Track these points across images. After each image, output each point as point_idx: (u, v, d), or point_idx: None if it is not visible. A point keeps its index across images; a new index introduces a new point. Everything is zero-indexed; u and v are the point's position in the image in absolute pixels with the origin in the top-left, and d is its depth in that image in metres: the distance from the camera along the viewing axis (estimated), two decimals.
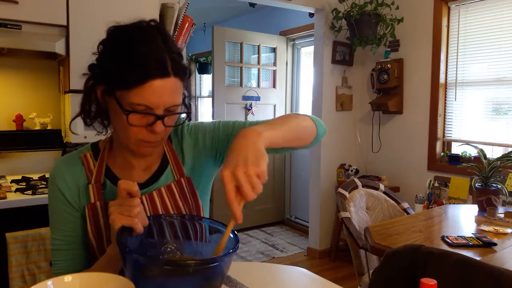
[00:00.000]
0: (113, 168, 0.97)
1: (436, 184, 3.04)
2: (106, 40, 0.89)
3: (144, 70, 0.82)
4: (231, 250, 0.72)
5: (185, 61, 0.93)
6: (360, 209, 2.22)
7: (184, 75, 0.89)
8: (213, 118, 4.18)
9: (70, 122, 1.02)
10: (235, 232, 0.80)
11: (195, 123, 1.07)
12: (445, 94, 3.16)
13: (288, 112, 4.69)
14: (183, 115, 1.01)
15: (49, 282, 0.68)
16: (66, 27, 2.08)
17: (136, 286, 0.66)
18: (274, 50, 4.53)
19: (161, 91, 0.84)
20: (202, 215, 0.99)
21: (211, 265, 0.69)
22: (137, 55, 0.83)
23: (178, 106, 0.89)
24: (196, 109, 6.34)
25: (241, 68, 4.35)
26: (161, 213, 0.94)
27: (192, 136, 1.04)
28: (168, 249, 0.86)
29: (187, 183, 0.99)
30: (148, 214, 0.93)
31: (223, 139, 1.03)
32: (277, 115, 4.58)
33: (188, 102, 0.99)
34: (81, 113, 0.93)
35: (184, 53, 2.61)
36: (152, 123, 0.85)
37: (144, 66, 0.83)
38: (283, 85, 4.62)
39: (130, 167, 0.98)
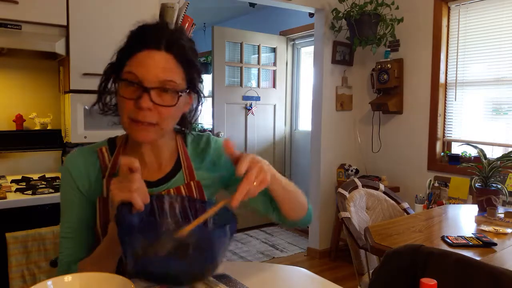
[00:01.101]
0: None
1: (436, 184, 3.04)
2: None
3: (138, 41, 0.88)
4: (227, 226, 0.73)
5: (192, 50, 0.94)
6: (360, 209, 2.22)
7: (182, 56, 0.90)
8: (213, 118, 4.18)
9: (91, 107, 1.07)
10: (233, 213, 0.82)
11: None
12: (445, 94, 3.16)
13: (288, 112, 4.70)
14: (199, 115, 1.03)
15: (49, 282, 0.68)
16: (66, 27, 2.08)
17: (130, 265, 0.67)
18: (274, 50, 4.54)
19: (150, 62, 0.86)
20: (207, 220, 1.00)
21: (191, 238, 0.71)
22: (140, 32, 0.90)
23: (172, 85, 0.88)
24: None
25: (241, 68, 4.35)
26: (167, 212, 0.94)
27: (217, 154, 1.05)
28: (167, 228, 0.86)
29: (196, 187, 1.00)
30: (156, 215, 0.93)
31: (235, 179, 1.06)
32: (277, 115, 4.58)
33: (199, 91, 0.98)
34: (98, 101, 0.96)
35: None
36: (139, 97, 0.85)
37: (139, 39, 0.88)
38: (283, 85, 4.62)
39: (143, 164, 0.97)
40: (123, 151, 0.99)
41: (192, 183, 0.99)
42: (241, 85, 4.35)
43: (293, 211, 1.02)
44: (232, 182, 1.06)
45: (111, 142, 1.01)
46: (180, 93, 0.89)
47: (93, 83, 1.07)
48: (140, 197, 0.78)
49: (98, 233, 0.93)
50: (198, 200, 0.95)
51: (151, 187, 0.96)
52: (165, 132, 0.93)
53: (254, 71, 4.50)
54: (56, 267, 1.00)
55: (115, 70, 0.92)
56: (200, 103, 1.01)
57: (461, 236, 1.67)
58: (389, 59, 3.34)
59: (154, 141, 0.94)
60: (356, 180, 2.33)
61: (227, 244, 0.76)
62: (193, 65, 0.93)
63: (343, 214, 2.09)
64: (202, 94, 1.00)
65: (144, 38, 0.88)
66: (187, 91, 0.93)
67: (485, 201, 2.04)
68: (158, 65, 0.86)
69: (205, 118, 6.23)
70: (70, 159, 0.98)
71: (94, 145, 1.01)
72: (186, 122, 1.03)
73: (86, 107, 2.13)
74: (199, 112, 1.03)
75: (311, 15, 3.91)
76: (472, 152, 2.94)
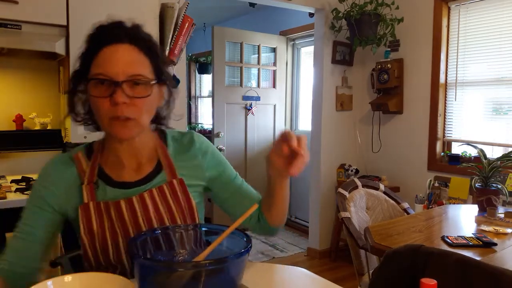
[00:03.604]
0: (105, 168, 0.97)
1: (436, 184, 3.04)
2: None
3: (99, 40, 0.88)
4: (243, 250, 0.70)
5: (154, 42, 0.94)
6: (360, 209, 2.22)
7: (146, 47, 0.90)
8: (213, 118, 4.18)
9: (64, 118, 1.08)
10: (245, 233, 0.79)
11: (210, 143, 1.08)
12: (445, 94, 3.16)
13: (288, 111, 4.70)
14: (179, 113, 1.02)
15: (49, 282, 0.68)
16: (66, 27, 2.08)
17: None
18: (274, 50, 4.53)
19: (115, 56, 0.86)
20: (195, 215, 0.98)
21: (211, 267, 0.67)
22: (99, 31, 0.90)
23: (142, 76, 0.88)
24: (196, 109, 6.33)
25: (241, 68, 4.35)
26: (151, 214, 0.94)
27: (202, 152, 1.04)
28: (180, 257, 0.84)
29: (179, 184, 0.98)
30: (139, 215, 0.93)
31: (221, 182, 1.06)
32: (277, 115, 4.58)
33: (168, 83, 0.98)
34: (71, 111, 0.95)
35: (184, 53, 2.61)
36: (113, 93, 0.84)
37: (100, 37, 0.89)
38: (283, 85, 4.61)
39: (121, 166, 0.97)
40: (101, 156, 0.98)
41: (174, 181, 0.98)
42: (241, 85, 4.35)
43: (282, 215, 1.04)
44: (218, 183, 1.06)
45: (88, 148, 1.00)
46: (151, 82, 0.89)
47: None
48: None
49: (84, 240, 0.92)
50: (196, 225, 0.92)
51: (131, 187, 0.96)
52: (142, 127, 0.92)
53: (254, 71, 4.50)
54: (56, 268, 1.00)
55: (81, 76, 0.90)
56: (172, 96, 1.00)
57: (461, 236, 1.67)
58: (389, 59, 3.34)
59: (133, 138, 0.93)
60: (356, 180, 2.33)
61: (244, 267, 0.74)
62: (158, 56, 0.93)
63: (343, 214, 2.09)
64: (171, 86, 0.99)
65: (104, 35, 0.89)
66: (157, 82, 0.93)
67: (485, 201, 2.04)
68: (124, 58, 0.86)
69: (205, 118, 6.24)
70: (44, 169, 0.99)
71: (71, 152, 1.00)
72: (161, 118, 1.02)
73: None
74: (172, 105, 1.01)
75: (311, 15, 3.91)
76: (472, 152, 2.94)
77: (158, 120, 1.02)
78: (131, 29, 0.91)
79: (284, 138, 0.82)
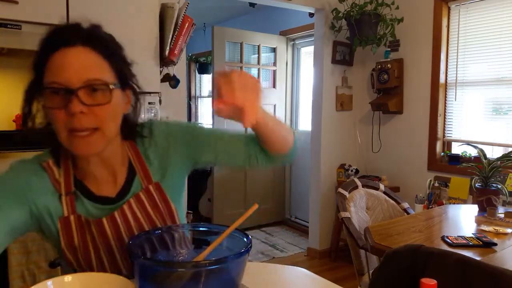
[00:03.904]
0: (83, 181, 0.90)
1: (436, 184, 3.04)
2: None
3: (50, 45, 0.80)
4: (243, 250, 0.70)
5: (114, 42, 0.86)
6: (360, 209, 2.22)
7: (103, 48, 0.81)
8: (213, 118, 4.18)
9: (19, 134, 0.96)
10: (245, 233, 0.78)
11: (167, 123, 1.00)
12: (445, 94, 3.16)
13: (288, 112, 4.70)
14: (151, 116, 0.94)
15: (49, 282, 0.68)
16: None
17: None
18: (274, 50, 4.53)
19: (68, 61, 0.77)
20: (176, 218, 0.95)
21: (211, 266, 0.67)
22: (50, 35, 0.82)
23: (100, 81, 0.79)
24: (196, 109, 6.33)
25: (241, 68, 4.34)
26: (132, 225, 0.89)
27: (164, 136, 0.96)
28: (181, 257, 0.84)
29: (156, 189, 0.93)
30: (122, 230, 0.88)
31: (199, 146, 0.98)
32: (277, 115, 4.58)
33: (134, 86, 0.89)
34: (24, 124, 0.86)
35: (184, 53, 2.61)
36: (68, 102, 0.76)
37: (51, 41, 0.80)
38: (283, 85, 4.61)
39: (95, 180, 0.90)
40: (74, 169, 0.89)
41: (150, 186, 0.92)
42: None
43: (281, 142, 0.96)
44: (197, 151, 0.99)
45: (54, 153, 0.90)
46: (111, 87, 0.80)
47: None
48: None
49: (66, 254, 0.87)
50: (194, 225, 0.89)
51: (113, 203, 0.90)
52: (109, 138, 0.83)
53: (254, 71, 4.50)
54: (56, 268, 1.00)
55: (36, 87, 0.81)
56: (139, 100, 0.91)
57: (461, 236, 1.67)
58: (389, 59, 3.34)
59: (99, 152, 0.84)
60: (356, 180, 2.33)
61: (244, 267, 0.73)
62: (119, 57, 0.85)
63: (343, 214, 2.09)
64: (137, 89, 0.91)
65: (54, 39, 0.80)
66: (120, 86, 0.84)
67: (485, 201, 2.04)
68: (78, 62, 0.78)
69: (205, 118, 6.24)
70: (23, 168, 0.88)
71: (38, 159, 0.90)
72: (130, 125, 0.93)
73: None
74: (139, 111, 0.93)
75: (311, 15, 3.90)
76: (472, 152, 2.94)
77: (127, 127, 0.92)
78: (85, 30, 0.82)
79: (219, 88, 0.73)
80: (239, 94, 0.71)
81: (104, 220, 0.87)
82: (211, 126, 4.36)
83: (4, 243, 0.78)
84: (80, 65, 0.78)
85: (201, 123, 6.19)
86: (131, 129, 0.93)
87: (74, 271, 0.89)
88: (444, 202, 2.88)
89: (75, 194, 0.87)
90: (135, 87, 0.90)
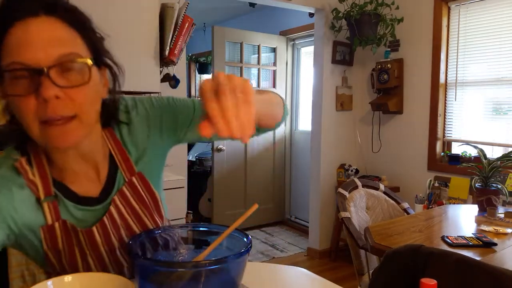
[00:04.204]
0: (62, 180, 0.79)
1: (436, 184, 3.04)
2: None
3: (5, 16, 0.64)
4: (243, 250, 0.69)
5: (82, 13, 0.75)
6: (360, 209, 2.22)
7: (72, 18, 0.69)
8: None
9: None
10: (245, 233, 0.78)
11: (142, 102, 0.88)
12: (445, 94, 3.16)
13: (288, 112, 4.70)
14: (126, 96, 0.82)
15: (49, 282, 0.68)
16: None
17: None
18: (274, 50, 4.53)
19: (30, 35, 0.62)
20: (160, 207, 0.91)
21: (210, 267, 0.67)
22: (3, 5, 0.66)
23: (74, 57, 0.66)
24: None
25: (241, 68, 4.35)
26: (119, 224, 0.84)
27: (142, 118, 0.86)
28: (181, 257, 0.83)
29: (139, 180, 0.85)
30: (111, 234, 0.82)
31: (180, 125, 0.89)
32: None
33: (111, 64, 0.76)
34: None
35: (184, 53, 2.61)
36: (38, 87, 0.62)
37: (5, 12, 0.64)
38: (283, 85, 4.61)
39: (73, 175, 0.79)
40: (50, 167, 0.77)
41: (133, 178, 0.84)
42: None
43: (269, 121, 0.83)
44: (179, 131, 0.90)
45: (22, 149, 0.76)
46: (89, 63, 0.68)
47: None
48: None
49: (51, 260, 0.79)
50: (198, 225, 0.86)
51: (98, 204, 0.81)
52: (89, 126, 0.71)
53: (254, 71, 4.50)
54: None
55: None
56: (117, 80, 0.78)
57: (461, 236, 1.67)
58: (389, 59, 3.34)
59: (78, 143, 0.71)
60: (356, 180, 2.33)
61: (244, 267, 0.73)
62: (90, 30, 0.73)
63: (343, 214, 2.09)
64: (114, 67, 0.77)
65: (10, 10, 0.64)
66: (95, 63, 0.71)
67: (485, 201, 2.04)
68: (44, 35, 0.63)
69: None
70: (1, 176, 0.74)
71: (8, 160, 0.76)
72: (109, 111, 0.80)
73: None
74: (118, 93, 0.80)
75: (311, 15, 3.91)
76: (472, 152, 2.94)
77: (106, 114, 0.79)
78: None
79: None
80: (232, 113, 0.52)
81: (94, 229, 0.80)
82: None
83: None
84: (47, 38, 0.63)
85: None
86: (110, 115, 0.81)
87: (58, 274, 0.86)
88: (444, 202, 2.88)
89: (56, 198, 0.76)
90: (112, 64, 0.76)
